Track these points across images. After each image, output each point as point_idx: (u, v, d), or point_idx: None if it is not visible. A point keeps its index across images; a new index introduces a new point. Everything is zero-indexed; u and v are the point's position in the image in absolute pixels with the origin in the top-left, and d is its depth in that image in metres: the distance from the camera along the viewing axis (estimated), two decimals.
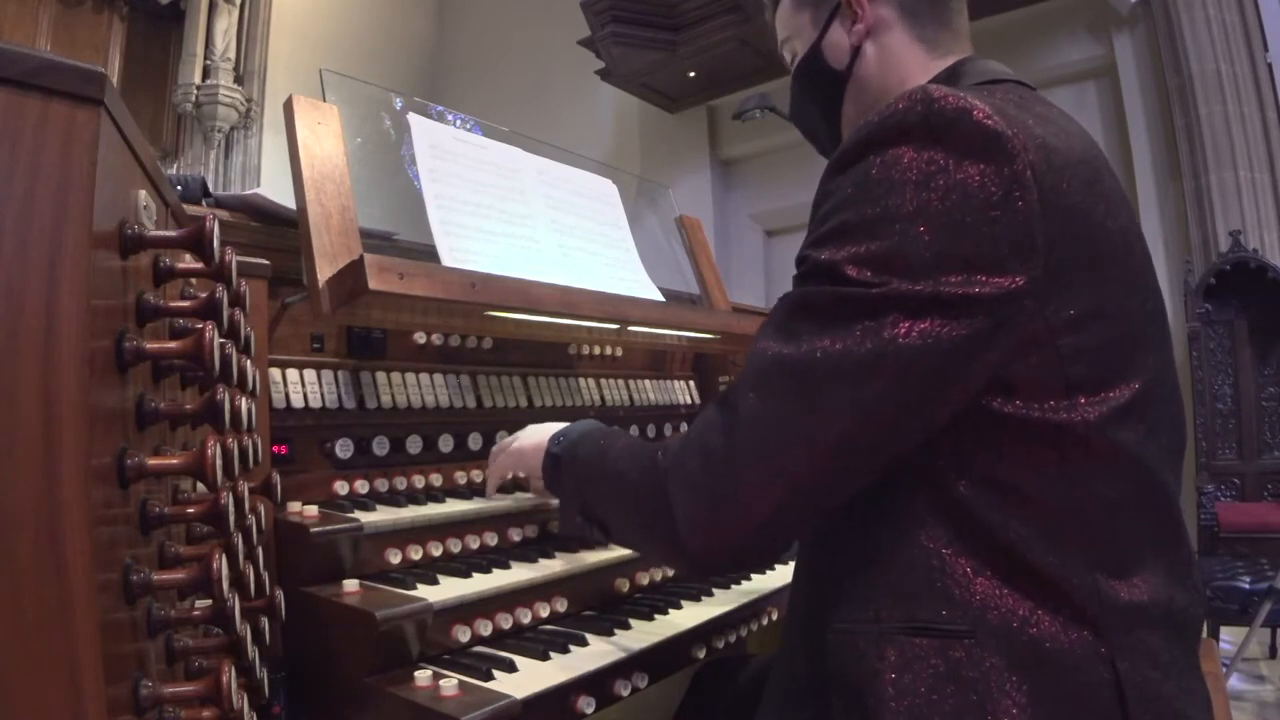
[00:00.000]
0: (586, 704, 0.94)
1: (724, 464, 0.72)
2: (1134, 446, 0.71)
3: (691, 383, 1.84)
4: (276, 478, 0.90)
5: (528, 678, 0.92)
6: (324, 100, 1.20)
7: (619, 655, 1.01)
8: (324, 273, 1.04)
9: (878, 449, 0.71)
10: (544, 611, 1.09)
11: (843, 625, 0.75)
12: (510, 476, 1.22)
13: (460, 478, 1.27)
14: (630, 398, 1.64)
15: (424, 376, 1.27)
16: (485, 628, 1.02)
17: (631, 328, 1.44)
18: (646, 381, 1.71)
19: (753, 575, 1.39)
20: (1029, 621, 0.68)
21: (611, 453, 0.90)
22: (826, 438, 0.69)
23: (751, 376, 0.73)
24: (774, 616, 1.29)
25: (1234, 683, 2.77)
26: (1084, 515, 0.70)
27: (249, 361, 0.78)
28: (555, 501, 1.19)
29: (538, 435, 1.09)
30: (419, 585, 0.99)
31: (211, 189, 1.16)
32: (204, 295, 0.63)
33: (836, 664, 0.74)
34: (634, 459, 0.85)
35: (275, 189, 1.16)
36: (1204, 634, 0.83)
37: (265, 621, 0.78)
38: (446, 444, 1.27)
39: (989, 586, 0.69)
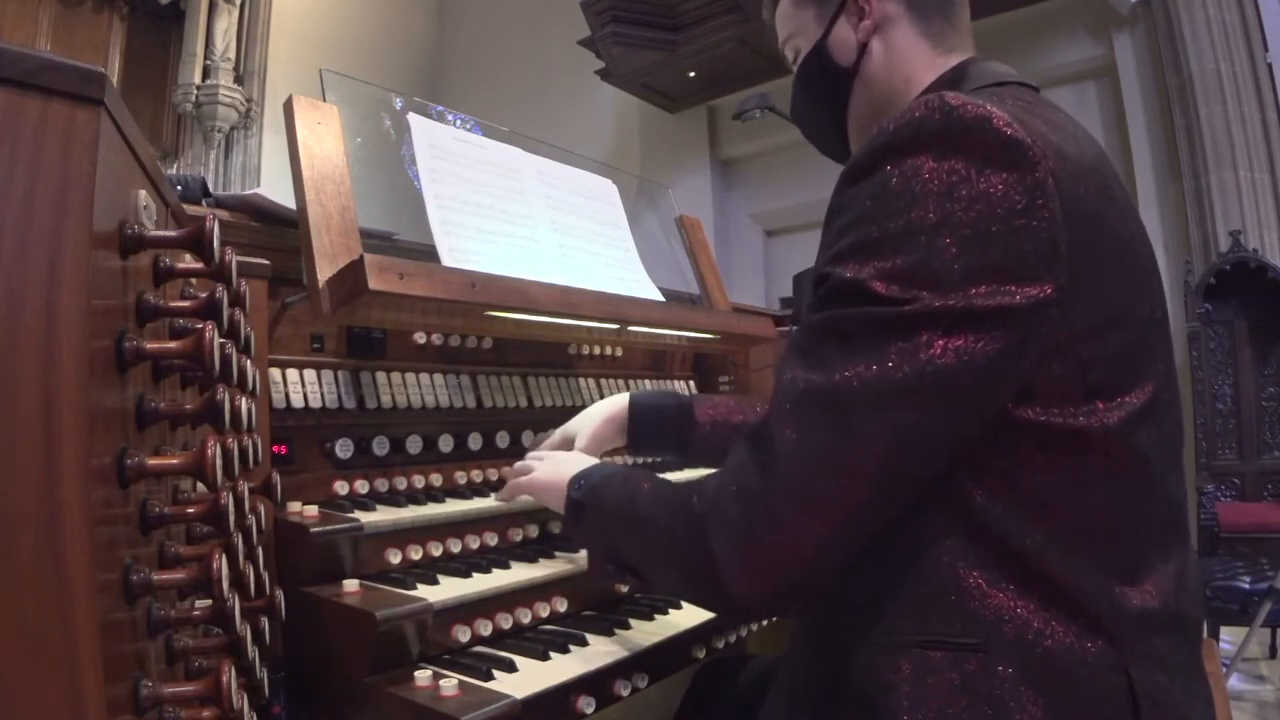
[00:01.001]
0: (586, 704, 0.94)
1: (763, 503, 0.69)
2: (1147, 450, 0.71)
3: (691, 383, 1.84)
4: (276, 478, 0.90)
5: (528, 678, 0.92)
6: (324, 100, 1.19)
7: (619, 655, 1.01)
8: (324, 273, 1.04)
9: (917, 471, 0.69)
10: (544, 611, 1.09)
11: (857, 637, 0.74)
12: None
13: (460, 478, 1.27)
14: None
15: (424, 376, 1.27)
16: (485, 628, 1.01)
17: (631, 328, 1.44)
18: (646, 381, 1.71)
19: None
20: (1043, 633, 0.67)
21: (640, 498, 0.86)
22: (867, 468, 0.67)
23: (783, 409, 0.70)
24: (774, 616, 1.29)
25: (1234, 683, 2.77)
26: (1098, 521, 0.69)
27: (249, 361, 0.78)
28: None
29: (557, 472, 1.05)
30: (419, 585, 0.99)
31: (211, 189, 1.16)
32: (204, 295, 0.63)
33: (851, 674, 0.73)
34: (665, 503, 0.81)
35: (275, 189, 1.16)
36: (1204, 634, 0.83)
37: (265, 621, 0.78)
38: (446, 444, 1.27)
39: (1003, 599, 0.68)
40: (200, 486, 0.61)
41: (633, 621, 1.13)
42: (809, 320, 0.73)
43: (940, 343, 0.65)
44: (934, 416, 0.66)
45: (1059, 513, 0.68)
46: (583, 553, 1.19)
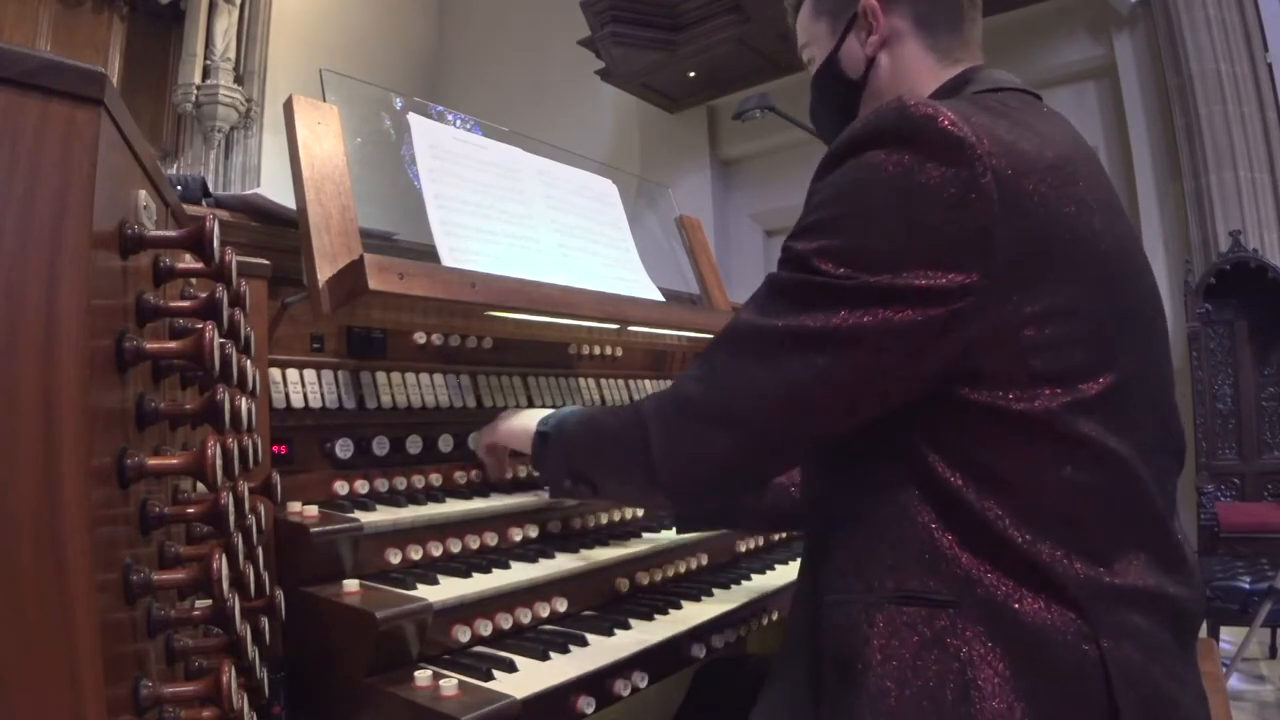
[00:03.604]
0: (586, 704, 0.94)
1: (695, 409, 0.84)
2: (1103, 437, 0.73)
3: None
4: (276, 478, 0.90)
5: (528, 678, 0.92)
6: (324, 100, 1.19)
7: (619, 655, 1.01)
8: (324, 273, 1.04)
9: (827, 411, 0.78)
10: (544, 611, 1.09)
11: (838, 596, 0.79)
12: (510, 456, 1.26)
13: (460, 478, 1.27)
14: (630, 398, 1.63)
15: (424, 376, 1.27)
16: (485, 628, 1.01)
17: (631, 328, 1.44)
18: (646, 381, 1.71)
19: (753, 575, 1.39)
20: (1012, 597, 0.71)
21: (598, 415, 1.04)
22: (779, 394, 0.78)
23: (727, 337, 0.84)
24: (774, 616, 1.29)
25: (1234, 683, 2.77)
26: (1057, 498, 0.73)
27: (249, 361, 0.78)
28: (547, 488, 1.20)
29: (524, 419, 1.16)
30: (419, 585, 0.99)
31: (211, 189, 1.16)
32: (204, 295, 0.63)
33: (830, 631, 0.79)
34: (617, 414, 0.98)
35: (275, 189, 1.15)
36: (1204, 634, 0.84)
37: (265, 621, 0.78)
38: (446, 444, 1.27)
39: (974, 562, 0.72)
40: (200, 486, 0.61)
41: (632, 621, 1.13)
42: (767, 278, 0.83)
43: (861, 309, 0.74)
44: (844, 365, 0.75)
45: (1015, 489, 0.72)
46: (584, 552, 1.20)
